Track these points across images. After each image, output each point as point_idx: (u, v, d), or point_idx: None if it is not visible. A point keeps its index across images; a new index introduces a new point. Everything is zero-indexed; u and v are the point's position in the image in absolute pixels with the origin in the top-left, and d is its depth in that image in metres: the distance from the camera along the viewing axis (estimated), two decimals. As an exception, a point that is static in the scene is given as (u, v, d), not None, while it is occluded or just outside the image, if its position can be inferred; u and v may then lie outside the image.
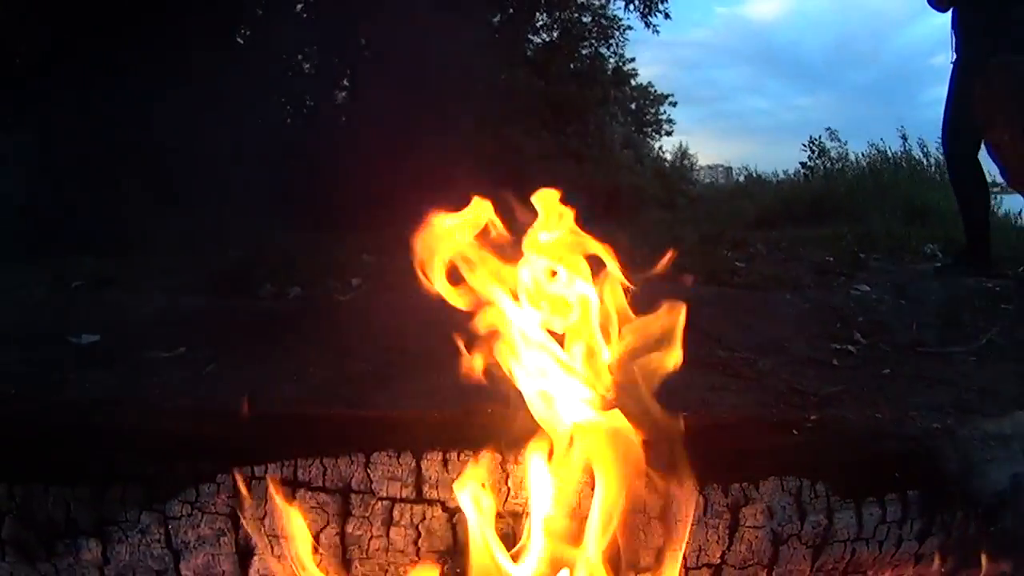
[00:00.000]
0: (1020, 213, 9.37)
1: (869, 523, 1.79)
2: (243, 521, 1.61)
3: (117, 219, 7.15)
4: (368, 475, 1.65)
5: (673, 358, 1.72)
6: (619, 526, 1.58)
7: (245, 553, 1.62)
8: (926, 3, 5.99)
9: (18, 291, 5.35)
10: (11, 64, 8.96)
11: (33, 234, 6.68)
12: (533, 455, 1.62)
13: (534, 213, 1.74)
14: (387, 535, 1.64)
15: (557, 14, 17.52)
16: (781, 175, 16.98)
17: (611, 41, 18.92)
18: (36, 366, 3.64)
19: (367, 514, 1.64)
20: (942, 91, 5.95)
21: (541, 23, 17.40)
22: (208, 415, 1.95)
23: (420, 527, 1.64)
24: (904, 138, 11.84)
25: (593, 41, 18.65)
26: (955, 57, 5.95)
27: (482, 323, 1.70)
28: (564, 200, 1.75)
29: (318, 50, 13.17)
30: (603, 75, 19.43)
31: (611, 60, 19.89)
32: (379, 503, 1.65)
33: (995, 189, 7.15)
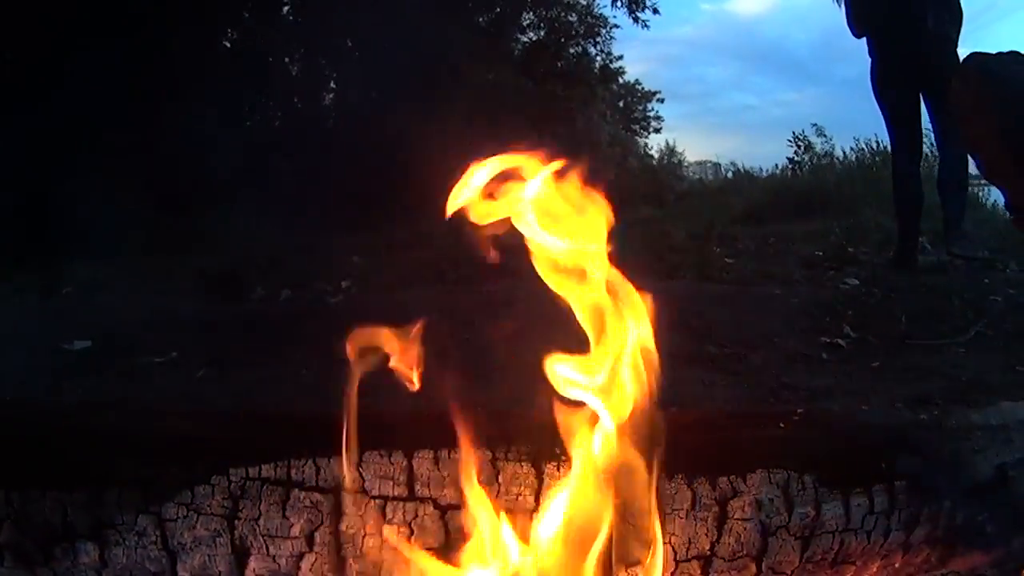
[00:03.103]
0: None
1: (857, 514, 1.81)
2: (238, 522, 1.62)
3: (107, 224, 7.14)
4: (360, 474, 1.67)
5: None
6: (611, 520, 1.60)
7: (241, 553, 1.63)
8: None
9: (9, 298, 5.35)
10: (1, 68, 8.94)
11: (23, 240, 6.67)
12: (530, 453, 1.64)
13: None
14: (380, 533, 1.65)
15: (544, 12, 17.50)
16: (769, 170, 17.00)
17: (598, 39, 18.92)
18: (29, 373, 3.64)
19: (360, 513, 1.65)
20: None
21: (528, 22, 17.39)
22: (202, 417, 1.96)
23: (413, 524, 1.66)
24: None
25: (580, 39, 18.64)
26: (874, 68, 6.36)
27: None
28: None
29: (305, 52, 13.15)
30: (590, 73, 19.42)
31: (598, 58, 19.89)
32: (372, 502, 1.67)
33: (982, 181, 7.19)
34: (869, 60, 6.29)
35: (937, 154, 6.84)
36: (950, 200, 6.28)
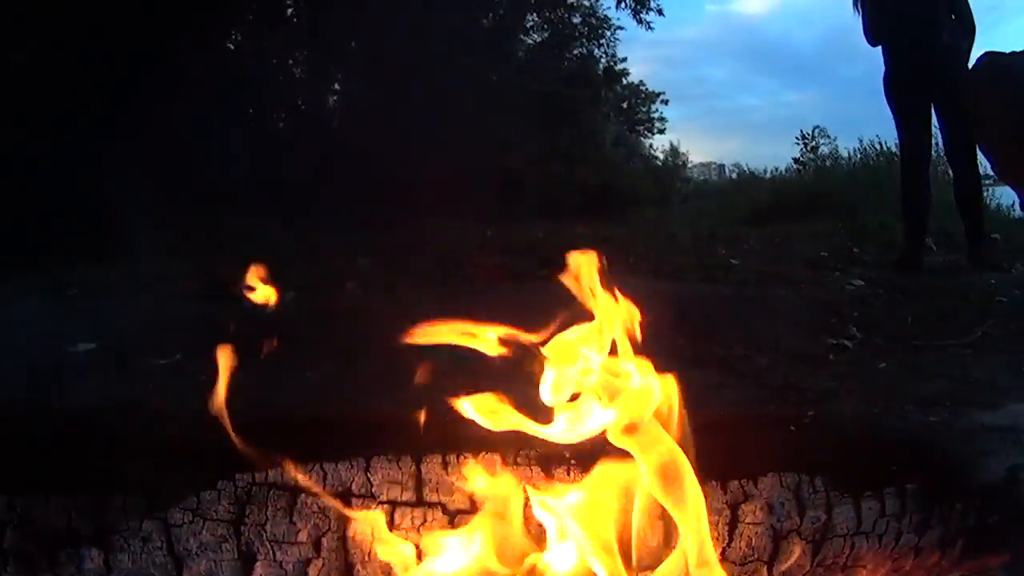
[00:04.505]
0: (1012, 205, 9.38)
1: (868, 517, 1.80)
2: (244, 527, 1.61)
3: (111, 225, 7.14)
4: (368, 479, 1.66)
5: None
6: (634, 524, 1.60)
7: (248, 559, 1.62)
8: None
9: (13, 300, 5.33)
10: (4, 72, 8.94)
11: (27, 242, 6.66)
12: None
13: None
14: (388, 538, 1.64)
15: (547, 14, 17.48)
16: (773, 171, 16.99)
17: (602, 41, 18.90)
18: (33, 376, 3.62)
19: (368, 518, 1.64)
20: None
21: (531, 24, 17.37)
22: (208, 422, 1.95)
23: (422, 530, 1.65)
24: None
25: (584, 41, 18.63)
26: (888, 76, 6.41)
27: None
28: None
29: (309, 54, 13.15)
30: (594, 75, 19.40)
31: (602, 60, 19.87)
32: (380, 507, 1.65)
33: (987, 181, 7.21)
34: (881, 65, 6.33)
35: (945, 158, 6.87)
36: (969, 213, 6.36)
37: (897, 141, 6.75)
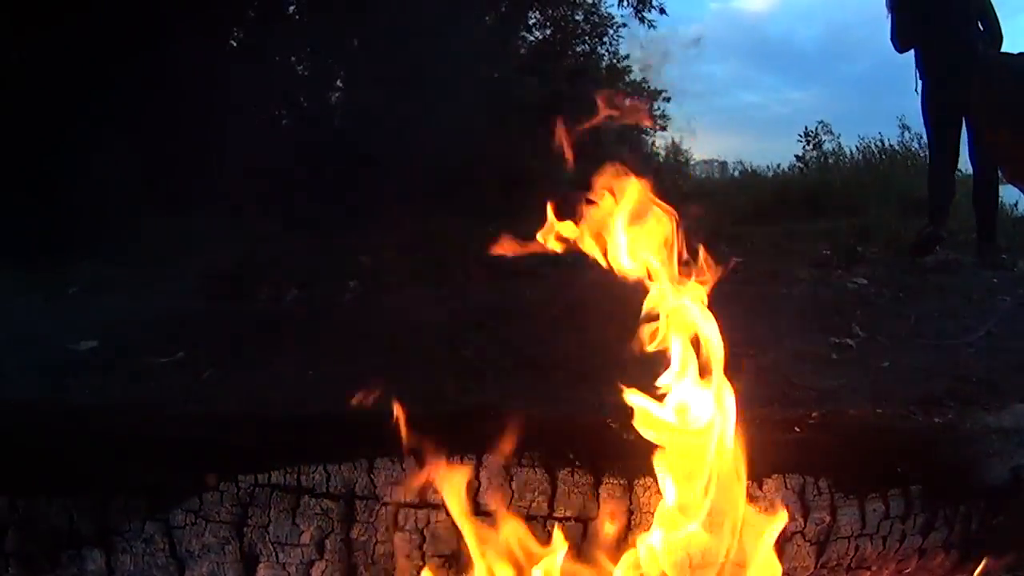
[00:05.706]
0: (1016, 204, 9.38)
1: (872, 519, 1.79)
2: (247, 529, 1.61)
3: (113, 224, 7.13)
4: (372, 480, 1.65)
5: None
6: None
7: (250, 561, 1.62)
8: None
9: (16, 298, 5.33)
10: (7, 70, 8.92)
11: (30, 240, 6.65)
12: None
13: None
14: (392, 540, 1.64)
15: (550, 12, 17.46)
16: (776, 169, 16.94)
17: (605, 39, 18.87)
18: (35, 374, 3.62)
19: (371, 519, 1.63)
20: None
21: (533, 21, 17.34)
22: (209, 422, 1.94)
23: (425, 532, 1.64)
24: (906, 127, 11.79)
25: (587, 38, 18.60)
26: (921, 85, 6.55)
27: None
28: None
29: (311, 52, 13.13)
30: (597, 72, 19.37)
31: (605, 57, 19.83)
32: (383, 508, 1.65)
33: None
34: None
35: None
36: (984, 213, 6.53)
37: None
